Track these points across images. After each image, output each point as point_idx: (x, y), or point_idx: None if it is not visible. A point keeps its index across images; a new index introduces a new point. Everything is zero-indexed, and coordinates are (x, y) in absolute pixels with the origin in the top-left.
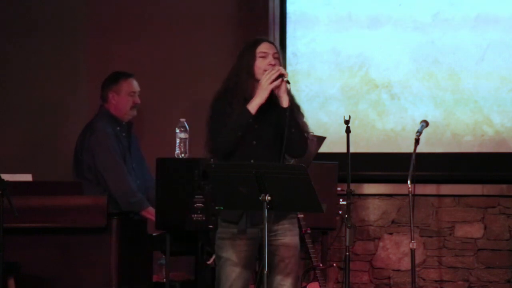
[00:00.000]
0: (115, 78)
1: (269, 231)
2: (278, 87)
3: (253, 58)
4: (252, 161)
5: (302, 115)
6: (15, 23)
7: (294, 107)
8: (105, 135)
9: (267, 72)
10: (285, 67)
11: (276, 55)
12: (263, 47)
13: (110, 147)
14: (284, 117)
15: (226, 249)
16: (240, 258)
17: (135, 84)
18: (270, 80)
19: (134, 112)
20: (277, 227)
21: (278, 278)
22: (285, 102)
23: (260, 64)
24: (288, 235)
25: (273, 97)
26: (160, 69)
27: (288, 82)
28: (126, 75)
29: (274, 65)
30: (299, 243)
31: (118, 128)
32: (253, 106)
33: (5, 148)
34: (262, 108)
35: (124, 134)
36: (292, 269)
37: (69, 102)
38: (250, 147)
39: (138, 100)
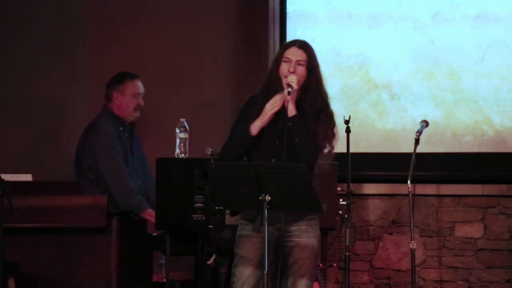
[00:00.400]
0: (121, 78)
1: (284, 231)
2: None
3: (279, 61)
4: (273, 160)
5: (327, 126)
6: (15, 23)
7: (321, 117)
8: (107, 135)
9: (272, 99)
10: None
11: (302, 62)
12: (289, 52)
13: (112, 147)
14: (287, 126)
15: (242, 247)
16: (254, 256)
17: (140, 86)
18: (272, 107)
19: (137, 114)
20: (293, 228)
21: (291, 279)
22: (289, 112)
23: (282, 69)
24: (303, 237)
25: (299, 98)
26: (160, 69)
27: (288, 92)
28: (132, 76)
29: (293, 72)
30: (317, 245)
31: (121, 128)
32: (254, 127)
33: (5, 148)
34: (285, 108)
35: (126, 135)
36: (306, 271)
37: (69, 102)
38: (272, 147)
39: (141, 102)
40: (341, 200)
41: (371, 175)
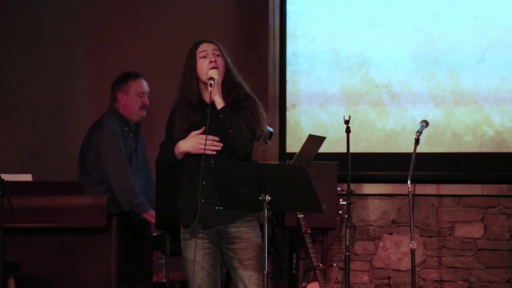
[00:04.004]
0: (124, 78)
1: (224, 234)
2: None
3: (194, 62)
4: (212, 160)
5: (250, 112)
6: (16, 24)
7: (241, 105)
8: (112, 134)
9: (200, 138)
10: (284, 67)
11: (217, 52)
12: (202, 47)
13: (116, 147)
14: (221, 119)
15: (188, 250)
16: (201, 257)
17: (144, 85)
18: (198, 147)
19: (143, 113)
20: (232, 230)
21: (241, 281)
22: (218, 105)
23: (201, 66)
24: (244, 238)
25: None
26: (160, 68)
27: (211, 84)
28: (135, 76)
29: (215, 61)
30: (262, 244)
31: (126, 128)
32: (180, 152)
33: (5, 148)
34: (209, 111)
35: (131, 135)
36: (255, 270)
37: (69, 102)
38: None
39: (147, 101)
40: (341, 200)
41: (371, 175)
